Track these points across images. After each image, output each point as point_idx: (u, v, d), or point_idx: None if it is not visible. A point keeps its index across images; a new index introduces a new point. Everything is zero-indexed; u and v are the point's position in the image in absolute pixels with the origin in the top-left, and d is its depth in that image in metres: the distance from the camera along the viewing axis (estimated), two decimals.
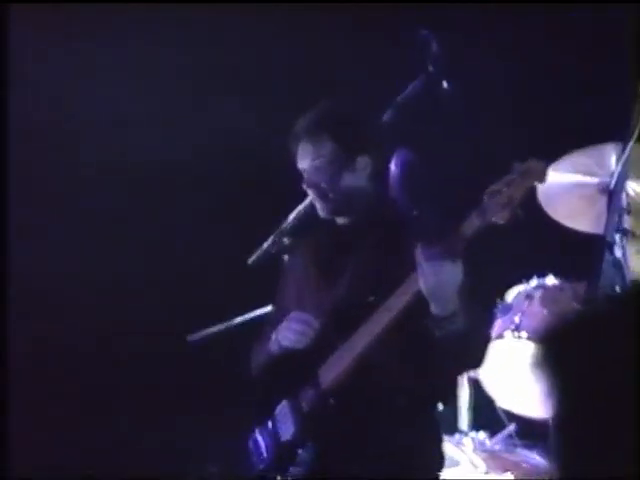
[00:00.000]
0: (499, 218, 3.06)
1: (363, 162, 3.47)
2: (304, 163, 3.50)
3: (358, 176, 3.47)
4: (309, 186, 3.51)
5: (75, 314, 5.20)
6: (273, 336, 3.46)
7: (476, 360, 3.35)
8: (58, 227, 5.20)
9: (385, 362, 3.28)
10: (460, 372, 3.96)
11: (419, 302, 3.16)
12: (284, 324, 3.42)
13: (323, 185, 3.46)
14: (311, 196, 3.56)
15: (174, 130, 5.24)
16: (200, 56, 5.22)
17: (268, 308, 4.27)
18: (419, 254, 3.13)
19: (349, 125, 3.53)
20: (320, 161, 3.46)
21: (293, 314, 3.42)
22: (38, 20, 5.05)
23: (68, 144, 5.25)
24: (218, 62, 5.23)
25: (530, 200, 3.54)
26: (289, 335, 3.38)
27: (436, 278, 3.09)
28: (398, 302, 3.21)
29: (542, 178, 3.07)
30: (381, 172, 3.59)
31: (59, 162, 5.23)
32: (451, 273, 3.09)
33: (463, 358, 3.29)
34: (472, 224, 3.10)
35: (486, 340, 3.45)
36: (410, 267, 3.19)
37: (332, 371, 3.30)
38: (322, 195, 3.47)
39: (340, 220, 3.53)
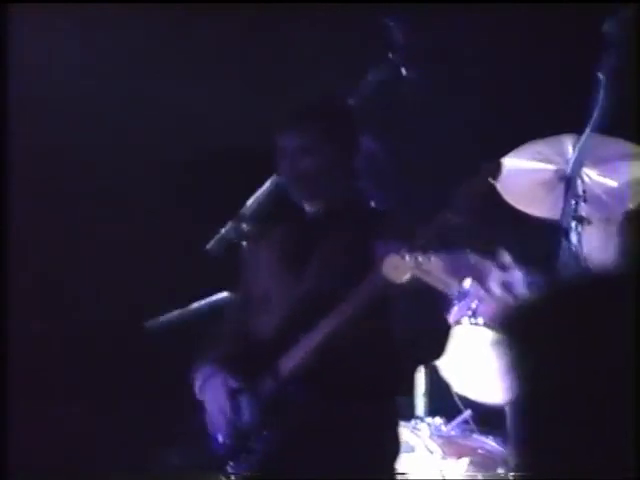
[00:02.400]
0: (467, 218, 3.15)
1: (342, 150, 3.49)
2: (286, 143, 3.49)
3: (334, 163, 3.48)
4: (288, 169, 3.50)
5: (27, 297, 5.17)
6: (199, 382, 3.49)
7: (436, 351, 3.39)
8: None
9: (345, 352, 3.29)
10: (421, 363, 3.99)
11: (380, 295, 3.19)
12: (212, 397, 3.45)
13: (302, 169, 3.46)
14: (286, 180, 3.55)
15: (130, 114, 5.23)
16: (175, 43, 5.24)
17: (224, 294, 4.28)
18: (377, 249, 3.17)
19: (335, 115, 3.58)
20: (303, 145, 3.46)
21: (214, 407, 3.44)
22: (37, 20, 5.05)
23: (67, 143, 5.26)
24: (184, 46, 5.24)
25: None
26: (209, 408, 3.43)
27: (389, 289, 3.15)
28: (359, 295, 3.23)
29: (496, 175, 3.17)
30: (352, 161, 3.60)
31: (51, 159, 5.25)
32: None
33: (424, 349, 3.33)
34: (441, 222, 3.18)
35: (447, 331, 3.48)
36: (373, 262, 3.22)
37: (291, 361, 3.31)
38: (299, 178, 3.47)
39: (308, 208, 3.53)
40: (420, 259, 3.05)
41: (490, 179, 3.16)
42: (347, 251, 3.40)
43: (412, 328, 3.23)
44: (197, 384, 3.53)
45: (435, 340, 3.35)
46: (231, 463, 3.38)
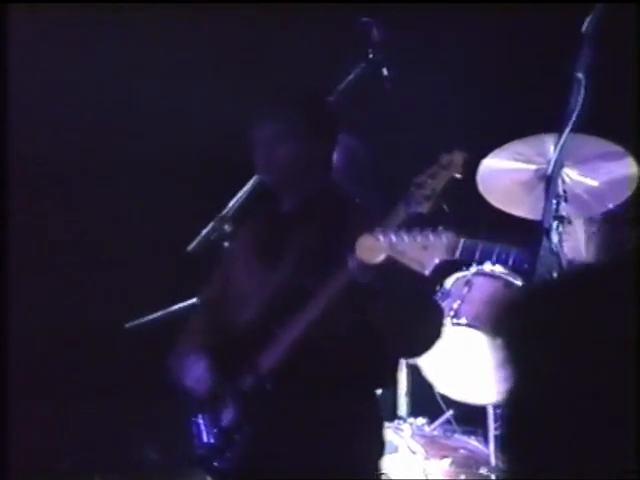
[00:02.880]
0: (423, 208, 3.14)
1: (318, 140, 3.50)
2: (263, 131, 3.49)
3: (310, 152, 3.49)
4: (264, 157, 3.49)
5: (12, 300, 5.16)
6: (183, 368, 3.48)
7: (431, 339, 3.39)
8: None
9: (323, 345, 3.29)
10: (404, 356, 3.97)
11: (354, 288, 3.19)
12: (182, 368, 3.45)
13: (278, 155, 3.46)
14: (261, 169, 3.54)
15: (116, 113, 5.23)
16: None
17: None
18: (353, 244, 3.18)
19: (312, 105, 3.60)
20: (279, 131, 3.46)
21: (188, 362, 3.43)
22: (37, 19, 5.04)
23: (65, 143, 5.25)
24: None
25: (466, 189, 3.59)
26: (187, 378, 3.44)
27: (364, 272, 3.14)
28: (334, 284, 3.23)
29: (460, 170, 3.16)
30: (329, 157, 3.61)
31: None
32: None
33: (416, 338, 3.34)
34: (398, 214, 3.18)
35: (439, 315, 3.49)
36: (347, 253, 3.22)
37: (270, 356, 3.32)
38: (275, 166, 3.47)
39: (284, 203, 3.53)
40: (394, 239, 3.05)
41: (454, 173, 3.16)
42: (322, 245, 3.40)
43: (399, 317, 3.22)
44: (178, 367, 3.51)
45: (427, 327, 3.35)
46: (216, 462, 3.38)
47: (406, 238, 3.05)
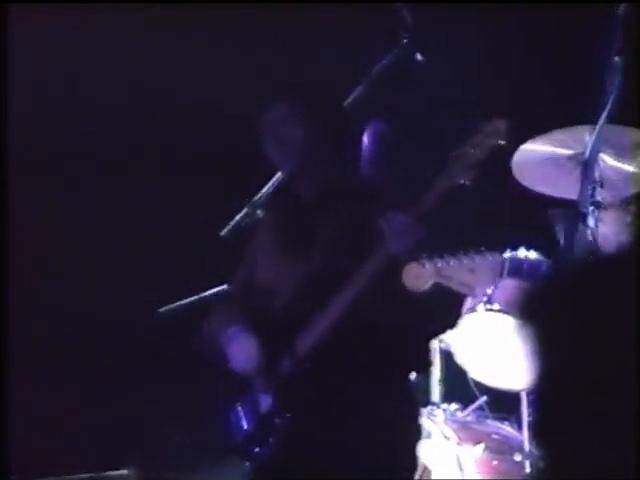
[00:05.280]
0: (464, 178, 3.13)
1: (324, 130, 3.49)
2: (274, 114, 3.48)
3: (316, 141, 3.48)
4: (274, 138, 3.49)
5: (43, 283, 5.19)
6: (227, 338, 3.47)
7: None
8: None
9: (360, 328, 3.29)
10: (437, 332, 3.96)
11: (390, 268, 3.19)
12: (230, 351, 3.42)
13: (290, 137, 3.45)
14: (271, 151, 3.54)
15: (152, 102, 5.24)
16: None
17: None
18: (387, 222, 3.16)
19: (317, 95, 3.59)
20: (291, 113, 3.46)
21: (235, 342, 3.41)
22: (37, 20, 5.06)
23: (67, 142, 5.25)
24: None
25: (504, 171, 3.58)
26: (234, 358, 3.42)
27: (405, 243, 3.14)
28: (371, 267, 3.23)
29: (503, 137, 3.15)
30: (348, 146, 3.60)
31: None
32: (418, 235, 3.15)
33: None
34: (439, 186, 3.17)
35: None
36: (378, 234, 3.22)
37: (308, 339, 3.31)
38: (285, 148, 3.47)
39: (302, 194, 3.53)
40: (440, 264, 3.04)
41: (498, 140, 3.15)
42: (350, 227, 3.40)
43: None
44: (224, 339, 3.49)
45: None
46: (257, 449, 3.38)
47: (452, 262, 3.04)
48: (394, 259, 3.17)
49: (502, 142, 3.16)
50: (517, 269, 4.38)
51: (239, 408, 3.44)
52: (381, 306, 3.27)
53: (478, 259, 3.04)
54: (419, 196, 3.21)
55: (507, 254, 4.54)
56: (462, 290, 3.07)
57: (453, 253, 3.07)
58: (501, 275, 4.43)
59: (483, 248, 3.07)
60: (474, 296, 4.47)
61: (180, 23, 5.23)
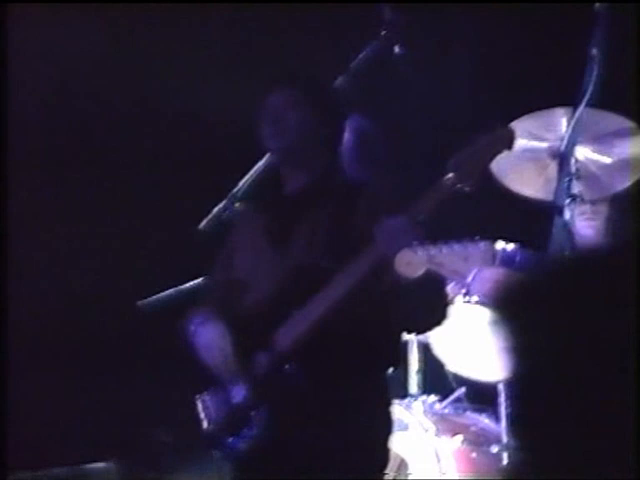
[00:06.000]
0: (467, 185, 3.11)
1: (325, 122, 3.49)
2: (272, 102, 3.48)
3: (317, 131, 3.48)
4: (271, 124, 3.48)
5: (25, 278, 5.17)
6: (193, 327, 3.46)
7: (438, 319, 3.38)
8: None
9: (341, 326, 3.28)
10: (421, 331, 3.94)
11: (378, 268, 3.19)
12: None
13: (286, 124, 3.45)
14: (268, 138, 3.52)
15: (136, 94, 5.24)
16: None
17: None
18: (381, 225, 3.15)
19: (321, 88, 3.62)
20: (288, 101, 3.46)
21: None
22: (37, 20, 5.04)
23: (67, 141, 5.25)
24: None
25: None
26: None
27: (398, 248, 3.12)
28: (358, 269, 3.22)
29: (511, 144, 3.11)
30: (337, 139, 3.59)
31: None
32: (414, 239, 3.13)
33: (426, 317, 3.33)
34: (438, 193, 3.14)
35: (444, 299, 3.48)
36: (362, 233, 3.21)
37: (288, 336, 3.29)
38: (282, 134, 3.46)
39: (286, 186, 3.52)
40: (432, 252, 3.02)
41: (505, 148, 3.12)
42: (333, 224, 3.39)
43: (410, 296, 3.21)
44: (191, 328, 3.48)
45: (435, 307, 3.34)
46: (230, 439, 3.37)
47: (445, 250, 3.03)
48: (384, 261, 3.16)
49: (507, 150, 3.11)
50: (509, 259, 4.39)
51: (208, 398, 3.43)
52: (366, 306, 3.26)
53: (471, 247, 3.02)
54: (417, 199, 3.19)
55: (500, 244, 4.55)
56: (454, 278, 3.06)
57: (446, 240, 3.05)
58: (493, 264, 4.42)
59: (477, 237, 3.05)
60: (465, 285, 4.47)
61: (175, 22, 5.23)
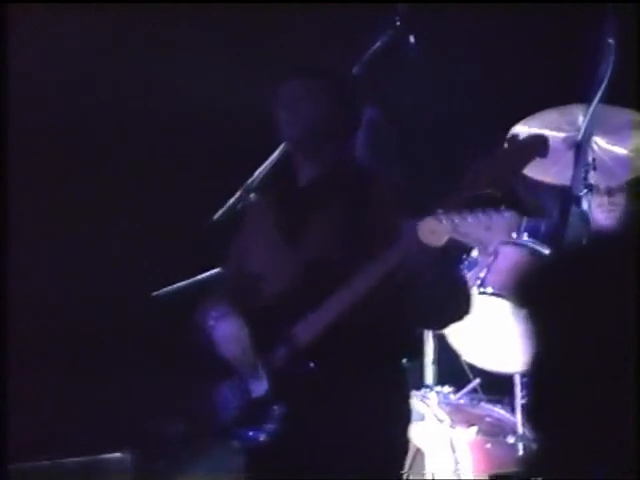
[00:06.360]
0: (497, 192, 3.11)
1: (344, 114, 3.49)
2: (291, 91, 3.48)
3: (335, 122, 3.48)
4: (289, 115, 3.47)
5: (41, 269, 5.18)
6: (212, 321, 3.46)
7: (462, 311, 3.38)
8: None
9: (361, 320, 3.27)
10: (446, 324, 3.94)
11: (409, 262, 3.18)
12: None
13: (304, 114, 3.44)
14: (286, 129, 3.51)
15: (147, 88, 5.24)
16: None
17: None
18: (410, 224, 3.14)
19: (343, 80, 3.60)
20: (307, 92, 3.45)
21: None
22: (37, 20, 5.05)
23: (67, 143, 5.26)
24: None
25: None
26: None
27: (426, 254, 3.12)
28: (385, 264, 3.20)
29: (545, 152, 3.10)
30: (352, 130, 3.59)
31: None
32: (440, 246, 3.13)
33: (449, 310, 3.33)
34: (468, 195, 3.13)
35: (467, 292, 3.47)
36: (377, 225, 3.21)
37: (309, 330, 3.28)
38: (300, 125, 3.45)
39: (300, 177, 3.52)
40: (457, 221, 3.00)
41: (538, 156, 3.10)
42: (346, 216, 3.38)
43: (435, 290, 3.21)
44: (209, 323, 3.49)
45: (459, 300, 3.34)
46: (250, 432, 3.37)
47: (470, 219, 3.01)
48: (409, 258, 3.15)
49: (542, 158, 3.10)
50: (535, 230, 4.35)
51: (226, 390, 3.43)
52: (385, 300, 3.26)
53: (495, 217, 2.99)
54: (446, 200, 3.17)
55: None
56: (477, 246, 3.03)
57: (471, 209, 3.02)
58: (518, 234, 4.39)
59: (503, 207, 3.02)
60: (488, 254, 4.44)
61: (177, 20, 5.23)
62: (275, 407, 3.31)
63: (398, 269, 3.18)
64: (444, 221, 3.00)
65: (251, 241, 3.58)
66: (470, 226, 2.99)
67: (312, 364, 3.28)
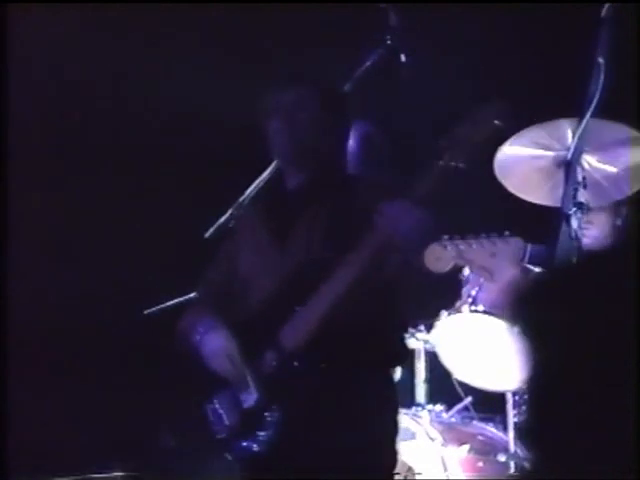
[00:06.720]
0: (460, 161, 3.12)
1: (334, 124, 3.50)
2: (283, 101, 3.48)
3: (326, 132, 3.48)
4: (281, 124, 3.48)
5: (32, 286, 5.17)
6: (199, 336, 3.45)
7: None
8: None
9: (346, 319, 3.26)
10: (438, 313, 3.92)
11: (379, 257, 3.19)
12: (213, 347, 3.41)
13: (296, 123, 3.45)
14: (276, 138, 3.51)
15: (138, 104, 5.24)
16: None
17: None
18: (381, 213, 3.15)
19: (334, 92, 3.65)
20: (299, 101, 3.46)
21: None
22: (37, 20, 5.06)
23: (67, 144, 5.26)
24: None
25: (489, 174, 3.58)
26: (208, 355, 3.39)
27: (401, 231, 3.13)
28: (359, 258, 3.21)
29: (505, 117, 3.11)
30: (342, 140, 3.60)
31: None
32: (422, 217, 3.14)
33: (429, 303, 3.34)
34: (434, 170, 3.15)
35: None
36: (362, 222, 3.21)
37: (295, 333, 3.28)
38: (291, 134, 3.46)
39: (290, 182, 3.53)
40: (462, 247, 3.00)
41: (496, 120, 3.12)
42: (335, 218, 3.39)
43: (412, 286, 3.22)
44: (196, 338, 3.47)
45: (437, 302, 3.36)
46: (244, 443, 3.36)
47: (474, 245, 3.00)
48: (385, 247, 3.16)
49: (500, 124, 3.12)
50: (538, 258, 4.34)
51: (217, 403, 3.42)
52: (369, 298, 3.26)
53: (500, 243, 2.99)
54: (414, 181, 3.20)
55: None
56: (481, 274, 3.03)
57: (475, 235, 3.02)
58: (522, 261, 4.38)
59: (507, 232, 3.03)
60: (493, 281, 4.44)
61: (177, 23, 5.23)
62: (267, 415, 3.30)
63: (374, 263, 3.19)
64: (449, 247, 3.00)
65: (239, 247, 3.59)
66: (475, 252, 2.98)
67: (295, 363, 3.27)
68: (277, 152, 3.57)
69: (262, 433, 3.31)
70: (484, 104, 3.14)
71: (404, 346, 3.59)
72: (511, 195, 4.03)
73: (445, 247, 3.01)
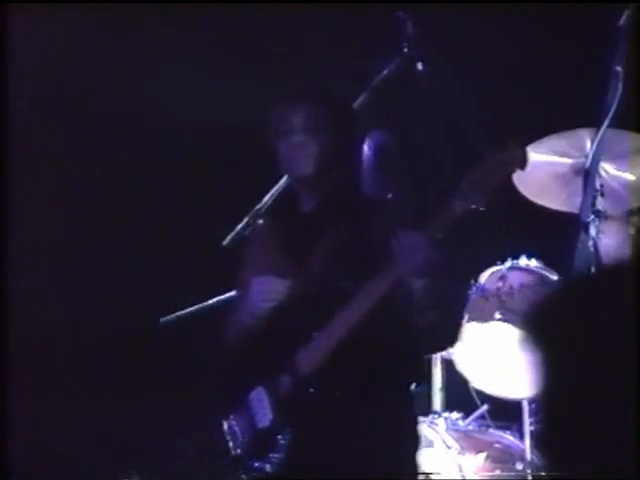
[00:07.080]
0: (480, 204, 3.10)
1: (344, 141, 3.47)
2: (289, 120, 3.45)
3: (336, 147, 3.45)
4: (290, 147, 3.45)
5: (48, 294, 5.19)
6: (241, 313, 3.45)
7: (452, 339, 3.40)
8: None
9: (364, 346, 3.27)
10: (436, 351, 3.97)
11: (397, 288, 3.19)
12: (250, 294, 3.41)
13: (305, 146, 3.42)
14: (286, 159, 3.48)
15: (152, 112, 5.24)
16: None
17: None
18: (400, 242, 3.14)
19: (347, 110, 3.58)
20: (307, 122, 3.42)
21: (255, 281, 3.40)
22: (36, 19, 5.07)
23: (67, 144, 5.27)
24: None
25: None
26: (258, 299, 3.39)
27: (413, 265, 3.13)
28: (377, 289, 3.21)
29: (523, 165, 3.10)
30: (355, 157, 3.59)
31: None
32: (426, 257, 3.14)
33: (441, 337, 3.34)
34: (452, 211, 3.13)
35: (460, 320, 3.49)
36: (381, 250, 3.21)
37: (311, 358, 3.27)
38: (300, 156, 3.43)
39: (302, 203, 3.51)
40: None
41: (517, 168, 3.11)
42: (350, 244, 3.38)
43: (427, 315, 3.22)
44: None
45: (449, 326, 3.35)
46: (256, 463, 3.36)
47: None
48: (401, 278, 3.16)
49: (520, 170, 3.10)
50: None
51: (233, 419, 3.42)
52: (386, 324, 3.26)
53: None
54: (431, 218, 3.18)
55: (508, 263, 4.55)
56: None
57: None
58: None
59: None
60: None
61: (180, 26, 5.23)
62: (280, 437, 3.30)
63: (396, 286, 3.19)
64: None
65: (255, 268, 3.57)
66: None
67: (312, 390, 3.28)
68: (291, 172, 3.54)
69: (275, 455, 3.31)
70: (502, 150, 3.12)
71: (421, 366, 3.59)
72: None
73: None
